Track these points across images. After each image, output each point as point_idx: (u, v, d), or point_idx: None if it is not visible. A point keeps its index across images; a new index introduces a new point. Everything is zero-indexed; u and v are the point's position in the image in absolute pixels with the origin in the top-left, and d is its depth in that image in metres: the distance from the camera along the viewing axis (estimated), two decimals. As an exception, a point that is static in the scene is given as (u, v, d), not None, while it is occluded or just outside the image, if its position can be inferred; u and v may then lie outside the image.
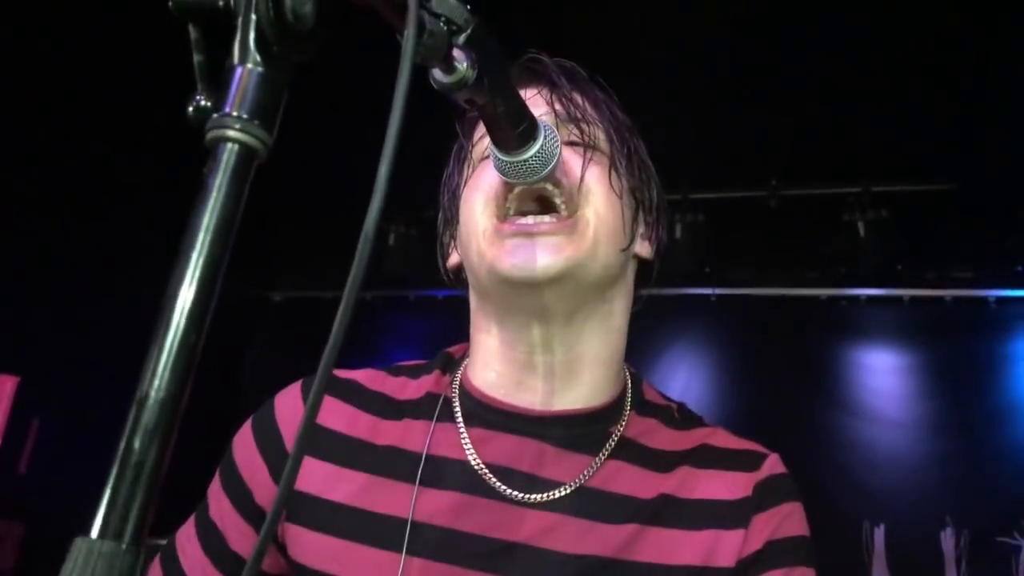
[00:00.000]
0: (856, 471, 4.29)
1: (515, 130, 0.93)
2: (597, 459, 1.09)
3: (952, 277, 4.50)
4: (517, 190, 1.03)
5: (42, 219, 3.61)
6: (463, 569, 1.01)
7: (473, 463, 1.07)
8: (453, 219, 1.17)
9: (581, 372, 1.11)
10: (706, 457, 1.12)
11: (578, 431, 1.10)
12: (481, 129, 1.08)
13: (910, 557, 4.03)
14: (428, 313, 5.20)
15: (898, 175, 4.38)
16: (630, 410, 1.15)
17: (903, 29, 3.48)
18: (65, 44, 3.39)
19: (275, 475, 1.10)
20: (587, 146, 1.09)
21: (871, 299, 4.65)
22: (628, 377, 1.19)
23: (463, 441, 1.09)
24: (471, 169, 1.14)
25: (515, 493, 1.05)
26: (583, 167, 1.07)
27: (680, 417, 1.19)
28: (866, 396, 4.51)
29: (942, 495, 4.11)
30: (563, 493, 1.06)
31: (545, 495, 1.05)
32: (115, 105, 3.63)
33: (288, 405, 1.14)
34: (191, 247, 0.51)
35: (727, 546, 1.05)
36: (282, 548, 1.10)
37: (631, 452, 1.11)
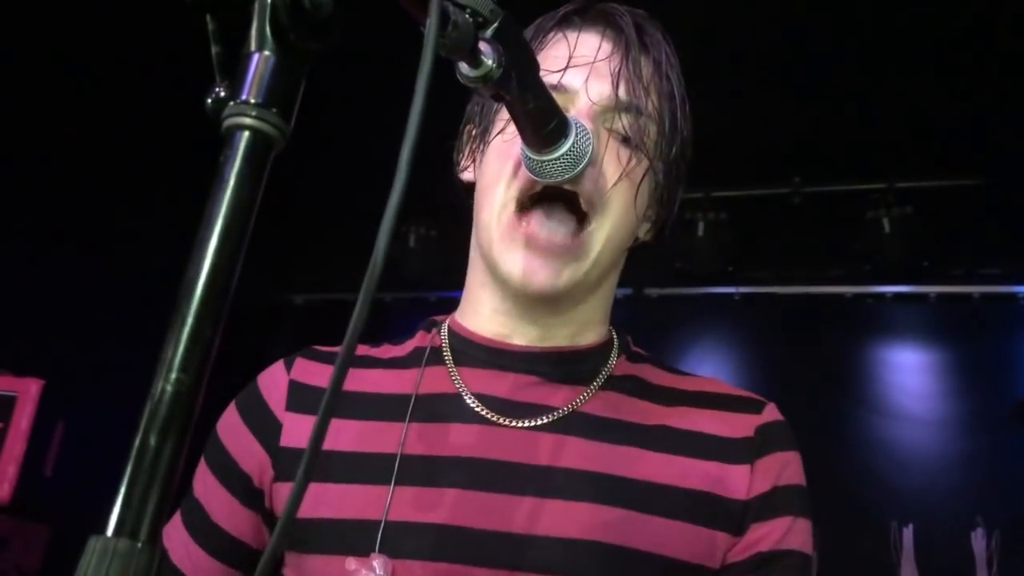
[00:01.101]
0: (883, 471, 4.23)
1: (544, 128, 0.92)
2: (589, 389, 1.10)
3: (980, 274, 4.43)
4: (548, 182, 1.00)
5: (65, 222, 3.63)
6: (455, 490, 1.01)
7: (464, 396, 1.08)
8: (479, 143, 1.14)
9: (572, 319, 1.12)
10: (704, 398, 1.13)
11: (567, 367, 1.11)
12: None
13: (940, 557, 3.98)
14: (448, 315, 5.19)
15: (923, 170, 4.33)
16: (619, 355, 1.15)
17: (928, 22, 3.43)
18: (79, 37, 3.41)
19: (260, 438, 1.11)
20: (634, 147, 1.06)
21: (897, 296, 4.60)
22: (613, 331, 1.19)
23: (453, 378, 1.10)
24: (506, 121, 1.07)
25: (506, 420, 1.06)
26: (618, 177, 1.04)
27: (672, 367, 1.21)
28: (893, 394, 4.45)
29: (972, 494, 4.05)
30: (555, 417, 1.06)
31: (536, 420, 1.06)
32: (138, 104, 3.65)
33: (270, 376, 1.16)
34: (207, 237, 0.50)
35: (734, 479, 1.05)
36: (269, 515, 1.10)
37: (625, 384, 1.12)
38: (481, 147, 1.13)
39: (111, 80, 3.57)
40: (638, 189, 1.07)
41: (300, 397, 1.11)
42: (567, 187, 1.01)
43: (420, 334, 1.19)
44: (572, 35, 1.09)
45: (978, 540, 3.90)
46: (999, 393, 4.28)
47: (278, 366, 1.16)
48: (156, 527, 0.46)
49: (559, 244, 1.04)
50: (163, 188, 3.80)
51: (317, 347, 1.19)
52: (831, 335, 4.58)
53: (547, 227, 1.04)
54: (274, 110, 0.53)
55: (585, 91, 1.05)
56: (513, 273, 1.04)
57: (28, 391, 2.98)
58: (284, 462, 1.08)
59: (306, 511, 1.03)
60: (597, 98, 1.05)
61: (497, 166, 1.08)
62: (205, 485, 1.14)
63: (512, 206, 1.05)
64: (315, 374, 1.13)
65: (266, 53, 0.55)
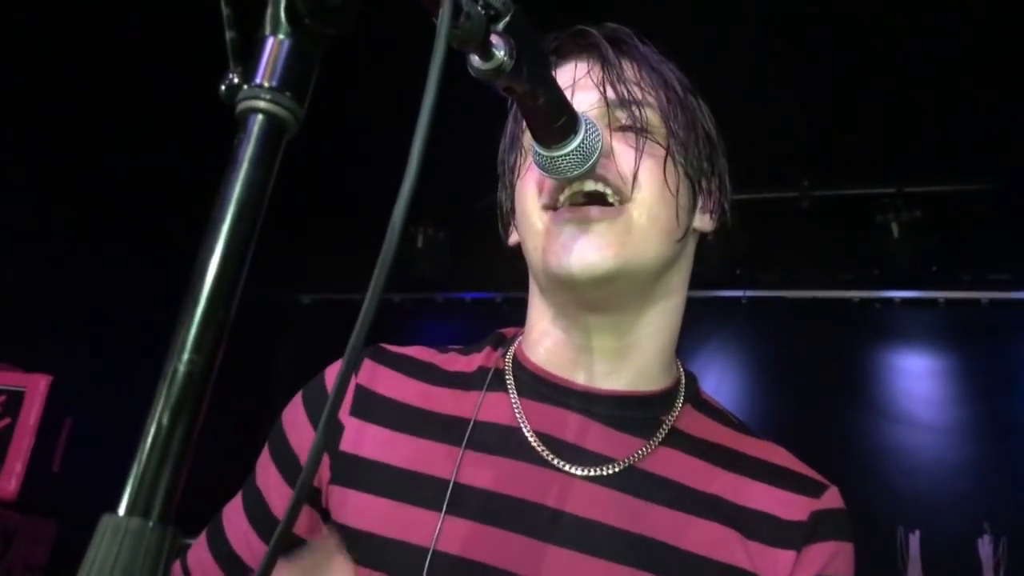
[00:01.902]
0: (890, 476, 4.22)
1: (554, 124, 0.92)
2: (650, 443, 1.07)
3: (989, 279, 4.41)
4: (573, 187, 1.02)
5: (73, 218, 3.65)
6: (505, 531, 1.00)
7: (524, 430, 1.07)
8: (510, 201, 1.17)
9: (635, 355, 1.10)
10: (764, 470, 1.10)
11: (628, 412, 1.09)
12: None
13: (946, 564, 3.96)
14: (456, 316, 5.20)
15: (932, 175, 4.31)
16: (684, 402, 1.13)
17: (937, 27, 3.42)
18: (92, 27, 3.43)
19: (315, 424, 1.11)
20: (639, 131, 1.05)
21: (905, 301, 4.58)
22: (682, 372, 1.17)
23: (515, 409, 1.09)
24: (524, 157, 1.12)
25: (563, 463, 1.05)
26: (636, 160, 1.04)
27: (739, 424, 1.18)
28: (901, 400, 4.43)
29: (979, 501, 4.03)
30: (613, 470, 1.04)
31: (594, 470, 1.04)
32: (146, 101, 3.67)
33: (335, 368, 1.16)
34: (220, 219, 0.50)
35: (778, 564, 1.02)
36: (325, 513, 1.10)
37: (684, 442, 1.10)
38: (511, 207, 1.17)
39: (123, 74, 3.58)
40: (664, 164, 1.06)
41: (365, 404, 1.11)
42: (592, 187, 1.01)
43: (487, 350, 1.18)
44: (557, 68, 1.11)
45: (985, 547, 3.88)
46: (1007, 399, 4.26)
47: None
48: (168, 506, 0.46)
49: (602, 210, 1.02)
50: (173, 183, 3.81)
51: (386, 347, 1.18)
52: (839, 339, 4.57)
53: (584, 210, 1.03)
54: (288, 94, 0.53)
55: (576, 105, 1.04)
56: (561, 265, 1.02)
57: (36, 386, 2.99)
58: (342, 466, 1.07)
59: (357, 521, 1.04)
60: (587, 106, 1.06)
61: (523, 196, 1.10)
62: (267, 475, 1.14)
63: (546, 215, 1.05)
64: (383, 381, 1.13)
65: (280, 37, 0.55)
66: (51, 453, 3.06)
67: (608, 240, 1.01)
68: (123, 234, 3.81)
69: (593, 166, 0.97)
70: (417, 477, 1.04)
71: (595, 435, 1.06)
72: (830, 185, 4.49)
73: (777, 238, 4.60)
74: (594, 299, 1.06)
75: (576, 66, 1.10)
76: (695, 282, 1.20)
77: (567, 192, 1.02)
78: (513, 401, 1.10)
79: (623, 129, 1.06)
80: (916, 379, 4.50)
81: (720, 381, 4.55)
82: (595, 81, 1.07)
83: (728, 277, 4.57)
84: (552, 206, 1.04)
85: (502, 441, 1.06)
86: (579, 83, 1.08)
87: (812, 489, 1.09)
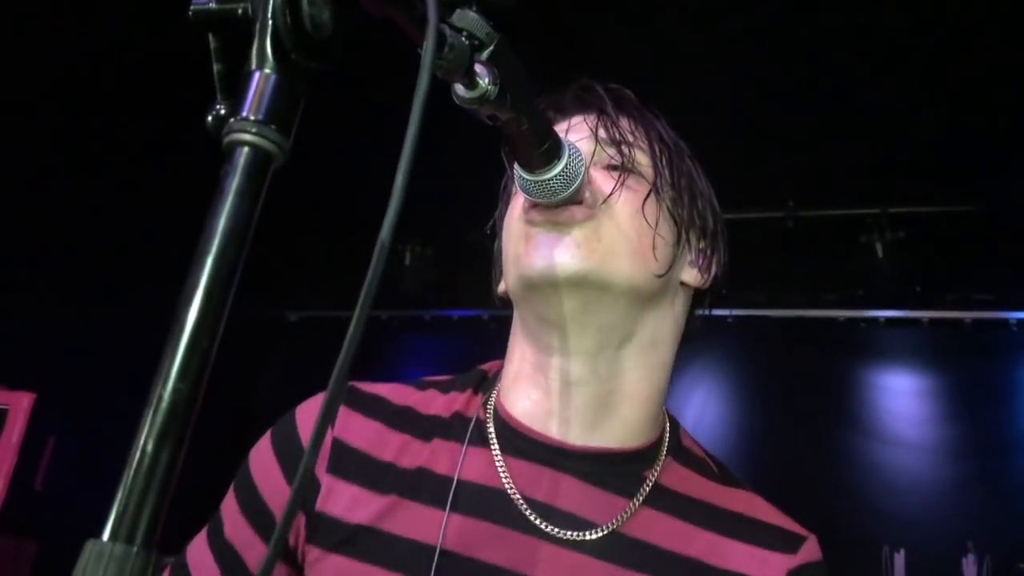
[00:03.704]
0: (876, 495, 4.24)
1: (538, 148, 0.93)
2: (632, 504, 1.05)
3: (972, 299, 4.46)
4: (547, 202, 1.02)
5: (59, 237, 3.64)
6: None
7: (508, 491, 1.04)
8: (499, 250, 1.16)
9: (618, 407, 1.07)
10: (742, 526, 1.08)
11: (612, 469, 1.06)
12: None
13: (931, 582, 3.98)
14: (443, 333, 5.20)
15: (917, 196, 4.36)
16: (666, 456, 1.11)
17: (922, 49, 3.47)
18: (83, 53, 3.43)
19: (289, 478, 1.07)
20: (624, 168, 1.06)
21: (890, 321, 4.62)
22: (667, 421, 1.15)
23: (498, 468, 1.05)
24: (512, 200, 1.13)
25: (549, 527, 1.02)
26: (614, 187, 1.04)
27: (719, 472, 1.15)
28: (885, 419, 4.46)
29: (963, 520, 4.05)
30: (596, 536, 1.02)
31: (577, 534, 1.02)
32: (134, 121, 3.67)
33: (309, 412, 1.11)
34: (206, 250, 0.51)
35: None
36: (300, 570, 1.06)
37: (665, 501, 1.07)
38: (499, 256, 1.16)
39: (111, 98, 3.59)
40: (645, 198, 1.06)
41: (341, 460, 1.06)
42: (570, 207, 1.02)
43: (468, 393, 1.14)
44: (579, 112, 1.13)
45: (969, 565, 3.90)
46: (991, 418, 4.30)
47: (317, 400, 1.11)
48: (152, 532, 0.46)
49: (570, 220, 1.01)
50: (157, 203, 3.81)
51: (359, 387, 1.14)
52: (824, 359, 4.60)
53: (556, 211, 1.03)
54: (273, 127, 0.54)
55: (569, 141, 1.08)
56: (534, 266, 1.01)
57: (20, 404, 2.98)
58: (319, 525, 1.03)
59: None
60: (578, 141, 1.07)
61: (507, 226, 1.10)
62: (237, 530, 1.10)
63: (523, 225, 1.05)
64: (359, 433, 1.08)
65: (267, 71, 0.56)
66: (34, 472, 3.05)
67: (579, 242, 1.01)
68: (108, 254, 3.80)
69: (577, 190, 0.98)
70: (393, 539, 1.01)
71: (578, 496, 1.04)
72: (815, 206, 4.53)
73: (762, 258, 4.63)
74: (568, 309, 1.03)
75: (575, 118, 1.13)
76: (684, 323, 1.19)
77: (543, 208, 1.03)
78: (496, 458, 1.06)
79: (609, 168, 1.08)
80: (900, 398, 4.54)
81: (706, 401, 4.57)
82: (589, 125, 1.09)
83: (714, 297, 4.58)
84: (530, 219, 1.04)
85: (485, 504, 1.03)
86: (574, 126, 1.10)
87: (789, 544, 1.08)
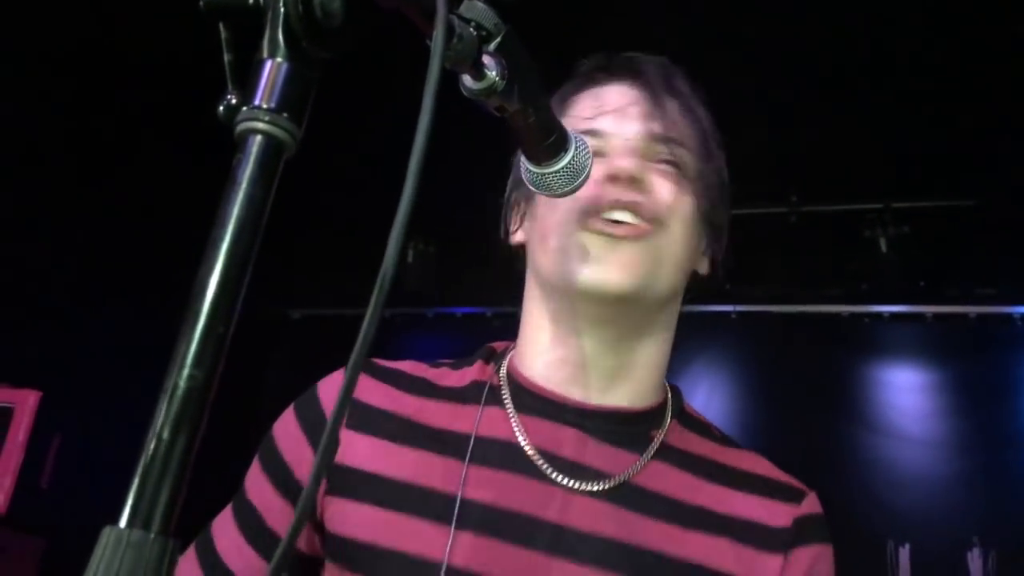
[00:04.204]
0: (880, 490, 4.24)
1: (545, 141, 0.93)
2: (642, 458, 1.10)
3: (976, 293, 4.45)
4: (607, 215, 1.06)
5: (65, 234, 3.65)
6: (510, 545, 1.02)
7: (523, 445, 1.09)
8: (529, 201, 1.18)
9: (631, 374, 1.13)
10: (747, 480, 1.14)
11: (622, 428, 1.12)
12: None
13: (936, 577, 3.98)
14: (447, 331, 5.20)
15: (920, 191, 4.35)
16: (672, 418, 1.16)
17: (924, 43, 3.46)
18: (94, 46, 3.44)
19: (313, 444, 1.11)
20: (676, 166, 1.11)
21: (893, 316, 4.61)
22: (668, 388, 1.21)
23: (513, 424, 1.11)
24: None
25: (563, 478, 1.07)
26: (672, 192, 1.09)
27: (721, 436, 1.21)
28: (889, 414, 4.46)
29: (968, 515, 4.05)
30: (609, 485, 1.07)
31: (592, 484, 1.07)
32: (142, 122, 3.67)
33: (331, 386, 1.15)
34: (219, 238, 0.51)
35: (768, 568, 1.07)
36: (319, 525, 1.09)
37: (673, 456, 1.13)
38: (528, 207, 1.19)
39: (120, 96, 3.59)
40: (695, 202, 1.12)
41: (360, 416, 1.11)
42: (621, 216, 1.05)
43: (479, 364, 1.19)
44: (602, 87, 1.17)
45: (975, 560, 3.90)
46: (995, 412, 4.29)
47: (339, 377, 1.16)
48: (169, 518, 0.47)
49: (632, 226, 1.05)
50: (163, 202, 3.82)
51: (378, 361, 1.19)
52: (828, 354, 4.60)
53: (619, 213, 1.06)
54: (285, 115, 0.55)
55: (619, 132, 1.12)
56: (589, 279, 1.05)
57: (25, 402, 2.98)
58: (339, 477, 1.07)
59: (355, 531, 1.04)
60: (631, 135, 1.11)
61: (554, 204, 1.10)
62: (260, 489, 1.14)
63: (578, 225, 1.08)
64: (375, 393, 1.14)
65: (278, 60, 0.56)
66: (39, 470, 3.06)
67: (634, 260, 1.05)
68: (114, 251, 3.81)
69: (582, 183, 0.98)
70: (420, 490, 1.05)
71: (591, 450, 1.09)
72: (818, 201, 4.52)
73: (766, 253, 4.63)
74: (605, 315, 1.09)
75: (616, 91, 1.15)
76: (684, 297, 1.23)
77: (601, 219, 1.06)
78: (510, 416, 1.11)
79: (660, 162, 1.12)
80: (904, 393, 4.53)
81: (710, 396, 4.57)
82: (640, 113, 1.12)
83: (717, 292, 4.58)
84: (583, 221, 1.07)
85: (502, 456, 1.08)
86: (624, 111, 1.13)
87: (793, 496, 1.14)
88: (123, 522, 0.46)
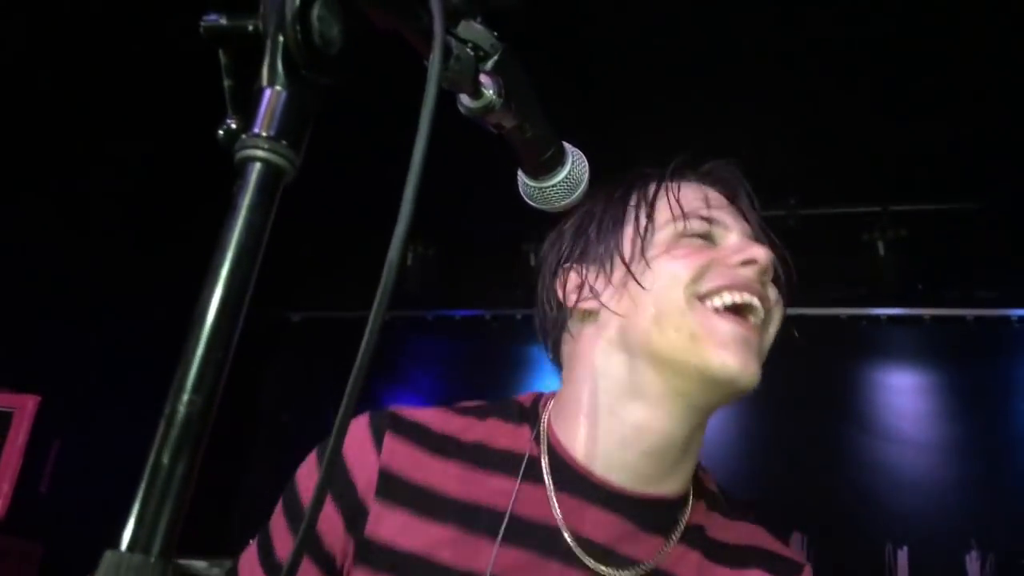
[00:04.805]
0: (878, 492, 4.25)
1: (542, 156, 0.94)
2: (670, 542, 1.10)
3: (974, 296, 4.46)
4: (732, 297, 1.06)
5: (65, 239, 3.65)
6: None
7: (561, 530, 1.06)
8: (616, 268, 1.12)
9: (685, 465, 1.11)
10: (751, 555, 1.16)
11: (659, 515, 1.10)
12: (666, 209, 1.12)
13: (934, 580, 3.98)
14: (447, 333, 5.21)
15: (918, 194, 4.36)
16: (694, 498, 1.16)
17: (922, 46, 3.47)
18: (97, 68, 3.45)
19: (345, 518, 1.07)
20: (781, 285, 1.16)
21: (892, 319, 4.62)
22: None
23: (552, 505, 1.07)
24: (652, 231, 1.12)
25: (595, 564, 1.05)
26: (777, 298, 1.13)
27: (728, 505, 1.21)
28: (888, 416, 4.47)
29: (966, 517, 4.06)
30: (638, 572, 1.07)
31: (622, 571, 1.06)
32: (143, 130, 3.68)
33: (358, 450, 1.10)
34: (219, 264, 0.52)
35: None
36: None
37: (695, 539, 1.13)
38: (614, 273, 1.13)
39: (122, 110, 3.59)
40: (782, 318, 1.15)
41: (391, 487, 1.07)
42: (749, 299, 1.07)
43: (512, 426, 1.15)
44: (702, 185, 1.19)
45: (972, 563, 3.91)
46: (994, 415, 4.30)
47: (365, 436, 1.10)
48: (169, 543, 0.47)
49: (756, 328, 1.08)
50: (165, 213, 3.83)
51: (400, 413, 1.14)
52: (826, 357, 4.59)
53: (746, 322, 1.07)
54: (285, 143, 0.55)
55: (742, 228, 1.15)
56: (725, 364, 1.02)
57: (25, 407, 2.99)
58: (368, 552, 1.05)
59: None
60: (746, 232, 1.15)
61: (663, 272, 1.09)
62: (282, 537, 1.11)
63: (695, 300, 1.07)
64: (405, 461, 1.09)
65: (277, 88, 0.57)
66: (39, 475, 3.06)
67: (757, 357, 1.06)
68: (114, 258, 3.81)
69: (580, 196, 0.99)
70: (445, 570, 1.03)
71: (626, 536, 1.07)
72: (817, 204, 4.53)
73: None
74: (714, 402, 1.07)
75: (721, 188, 1.20)
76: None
77: (726, 296, 1.06)
78: (550, 495, 1.08)
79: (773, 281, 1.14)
80: (903, 396, 4.54)
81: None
82: (755, 222, 1.17)
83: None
84: (700, 297, 1.06)
85: (534, 537, 1.05)
86: (740, 212, 1.17)
87: (792, 571, 1.16)
88: (124, 546, 0.46)
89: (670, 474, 1.10)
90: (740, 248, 1.09)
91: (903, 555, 4.04)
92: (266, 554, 1.14)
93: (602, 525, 1.07)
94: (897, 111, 3.81)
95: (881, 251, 4.36)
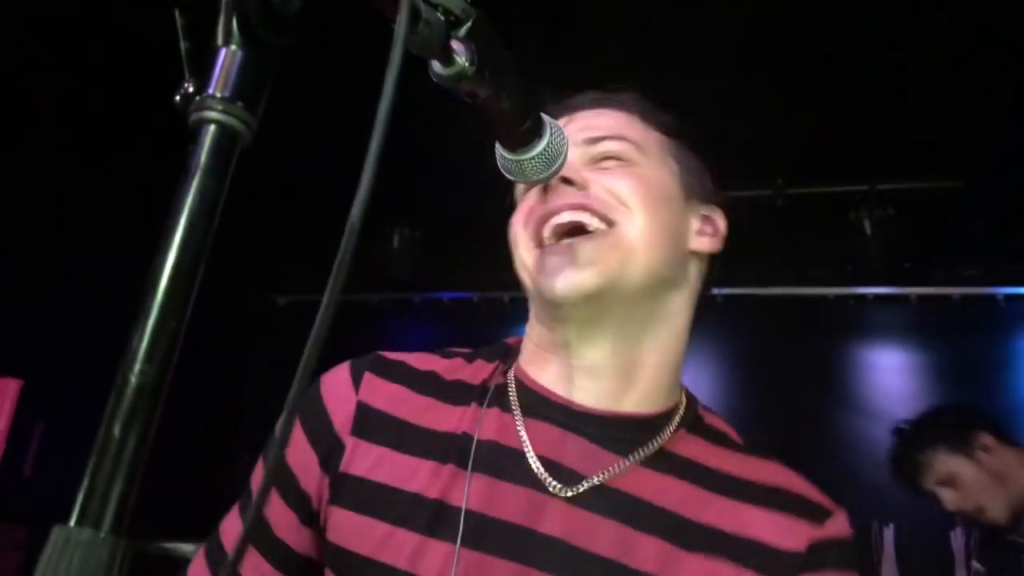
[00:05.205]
0: (865, 471, 4.25)
1: (519, 127, 0.92)
2: (623, 461, 1.06)
3: (960, 275, 4.46)
4: (552, 222, 1.06)
5: (44, 220, 3.62)
6: (497, 558, 0.99)
7: (527, 453, 1.06)
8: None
9: (638, 377, 1.09)
10: (764, 494, 1.06)
11: (631, 436, 1.07)
12: None
13: (920, 557, 4.01)
14: (434, 316, 5.19)
15: (905, 173, 4.36)
16: (679, 426, 1.11)
17: (910, 27, 3.46)
18: (56, 35, 3.40)
19: (320, 456, 1.08)
20: (621, 160, 1.11)
21: (879, 298, 4.63)
22: (684, 395, 1.17)
23: (518, 431, 1.07)
24: (519, 195, 1.18)
25: (561, 488, 1.03)
26: (620, 182, 1.08)
27: (743, 442, 1.14)
28: (874, 395, 4.48)
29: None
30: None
31: (572, 489, 1.03)
32: (109, 106, 3.64)
33: (336, 387, 1.12)
34: (172, 230, 0.50)
35: None
36: (322, 531, 1.08)
37: (672, 465, 1.07)
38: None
39: (84, 80, 3.55)
40: (648, 181, 1.10)
41: (368, 423, 1.08)
42: (570, 217, 1.05)
43: (495, 365, 1.16)
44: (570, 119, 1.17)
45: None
46: (979, 394, 4.31)
47: (345, 377, 1.12)
48: (120, 517, 0.46)
49: (584, 236, 1.05)
50: (141, 190, 3.78)
51: (386, 355, 1.16)
52: (813, 336, 4.61)
53: (567, 246, 1.06)
54: (240, 104, 0.54)
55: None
56: (553, 289, 1.04)
57: (7, 390, 2.96)
58: (343, 487, 1.05)
59: (356, 544, 1.03)
60: (576, 153, 1.10)
61: (514, 231, 1.13)
62: (269, 498, 1.11)
63: (533, 250, 1.09)
64: (383, 395, 1.10)
65: (232, 48, 0.55)
66: (22, 458, 3.04)
67: (593, 257, 1.03)
68: (94, 237, 3.78)
69: (559, 169, 0.97)
70: (411, 499, 1.02)
71: (594, 458, 1.05)
72: (804, 183, 4.53)
73: (751, 236, 4.63)
74: (584, 317, 1.06)
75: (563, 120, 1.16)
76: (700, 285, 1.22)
77: (550, 226, 1.06)
78: (516, 421, 1.08)
79: (600, 160, 1.12)
80: (889, 374, 4.55)
81: (695, 379, 4.51)
82: (572, 128, 1.12)
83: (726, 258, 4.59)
84: (538, 242, 1.07)
85: (503, 463, 1.04)
86: (572, 122, 1.14)
87: (815, 514, 1.05)
88: (72, 520, 0.45)
89: (629, 387, 1.08)
90: (543, 208, 1.09)
91: (889, 532, 4.06)
92: (244, 505, 1.15)
93: (567, 446, 1.06)
94: (883, 90, 3.80)
95: (868, 230, 4.36)
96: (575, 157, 1.09)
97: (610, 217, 1.06)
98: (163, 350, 0.48)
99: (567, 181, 1.06)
